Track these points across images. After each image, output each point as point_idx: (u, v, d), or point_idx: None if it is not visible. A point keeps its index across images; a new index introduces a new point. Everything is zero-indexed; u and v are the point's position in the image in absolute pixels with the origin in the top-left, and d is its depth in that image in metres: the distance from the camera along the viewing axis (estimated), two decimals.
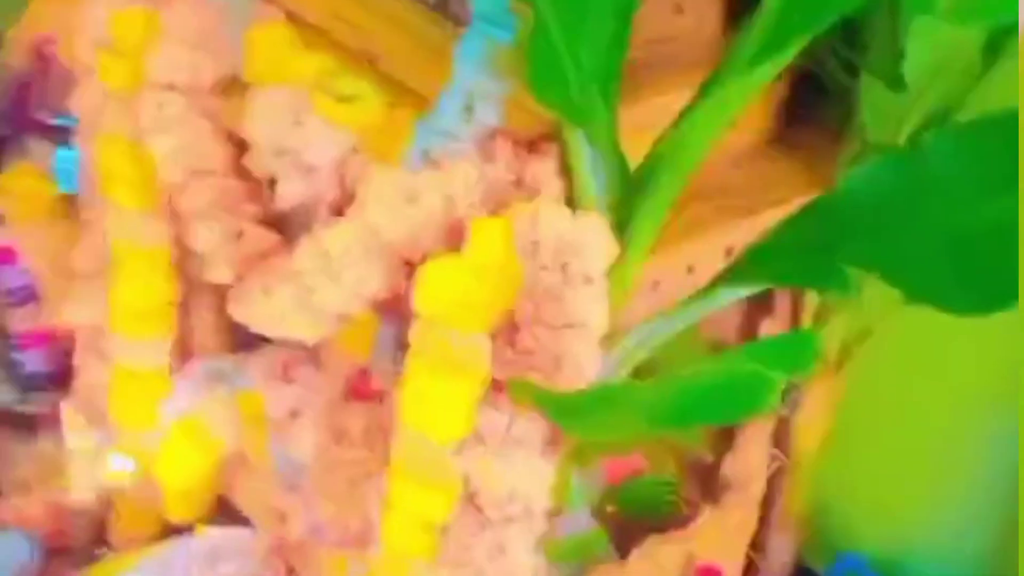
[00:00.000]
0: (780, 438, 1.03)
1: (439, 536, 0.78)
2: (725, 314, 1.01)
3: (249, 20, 0.89)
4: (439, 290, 0.71)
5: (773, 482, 1.06)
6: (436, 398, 0.73)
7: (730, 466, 1.04)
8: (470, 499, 0.76)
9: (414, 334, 0.74)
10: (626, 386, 0.70)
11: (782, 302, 0.98)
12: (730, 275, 0.71)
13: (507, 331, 0.72)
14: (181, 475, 1.06)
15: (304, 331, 0.81)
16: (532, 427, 0.73)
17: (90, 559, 1.08)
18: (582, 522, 1.09)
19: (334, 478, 0.97)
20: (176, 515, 1.08)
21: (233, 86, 0.91)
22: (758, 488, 1.06)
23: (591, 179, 0.71)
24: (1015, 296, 0.65)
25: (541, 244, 0.70)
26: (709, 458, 0.92)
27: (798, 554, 1.08)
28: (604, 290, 0.70)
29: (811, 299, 0.95)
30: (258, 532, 1.04)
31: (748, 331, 1.02)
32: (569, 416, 0.69)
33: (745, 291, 0.72)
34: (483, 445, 0.74)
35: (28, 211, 1.18)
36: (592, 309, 0.70)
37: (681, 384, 0.63)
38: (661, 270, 0.82)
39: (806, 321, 0.95)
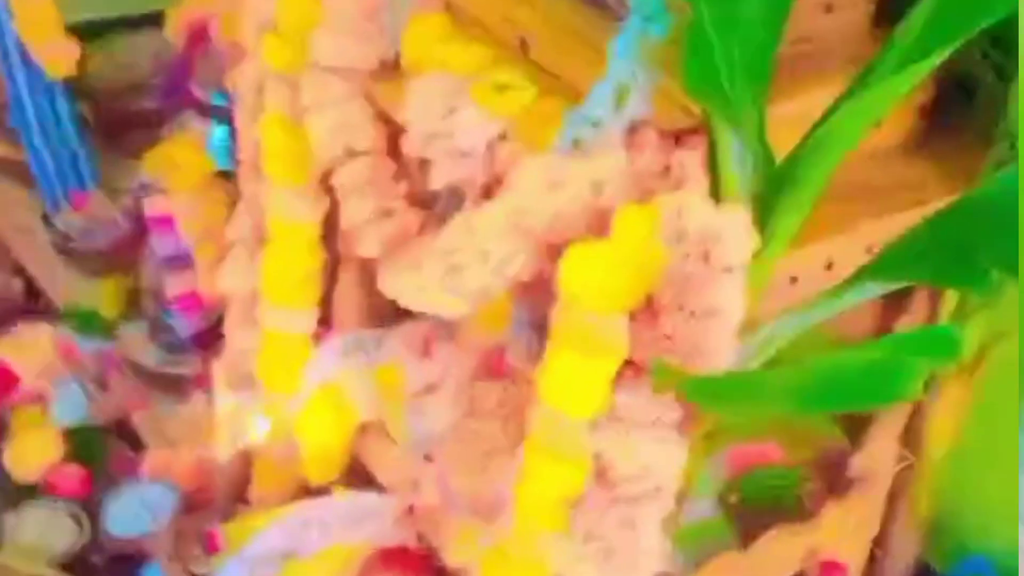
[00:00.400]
0: (910, 437, 1.03)
1: (570, 510, 0.81)
2: (857, 313, 1.02)
3: (409, 8, 0.93)
4: (583, 273, 0.74)
5: (900, 480, 1.06)
6: (574, 375, 0.76)
7: (858, 461, 1.05)
8: (602, 475, 0.79)
9: (556, 314, 0.77)
10: (770, 371, 0.72)
11: (919, 301, 0.98)
12: (869, 272, 0.73)
13: (647, 315, 0.75)
14: (320, 439, 1.12)
15: (448, 307, 0.85)
16: (667, 408, 0.75)
17: (229, 515, 1.14)
18: (705, 509, 1.11)
19: (467, 450, 1.00)
20: (314, 476, 1.13)
21: (390, 70, 0.95)
22: (885, 485, 1.07)
23: (736, 172, 0.73)
24: None
25: (685, 233, 0.72)
26: (846, 446, 0.92)
27: (921, 554, 1.08)
28: (743, 281, 0.72)
29: (949, 299, 0.95)
30: (393, 498, 1.08)
31: (883, 330, 1.02)
32: (712, 397, 0.72)
33: (883, 288, 0.74)
34: (619, 423, 0.76)
35: (186, 182, 1.24)
36: (730, 298, 0.72)
37: (825, 369, 0.64)
38: (800, 265, 0.84)
39: (943, 321, 0.96)
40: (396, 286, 0.87)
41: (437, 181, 0.85)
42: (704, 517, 1.11)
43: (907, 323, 0.99)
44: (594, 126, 0.76)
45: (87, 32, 1.66)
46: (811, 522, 1.04)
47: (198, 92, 1.47)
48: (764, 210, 0.74)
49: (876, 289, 0.73)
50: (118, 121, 1.66)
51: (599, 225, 0.76)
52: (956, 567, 1.05)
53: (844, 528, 1.05)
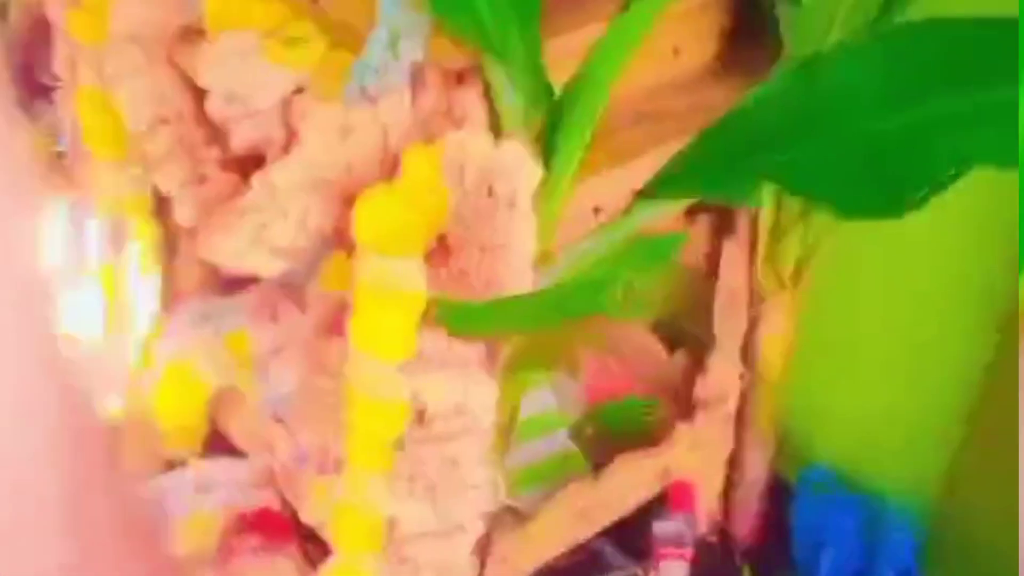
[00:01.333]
0: (748, 355, 1.06)
1: (394, 452, 0.83)
2: (693, 239, 1.04)
3: None
4: (374, 219, 0.75)
5: (745, 399, 1.09)
6: (379, 321, 0.77)
7: (702, 385, 1.08)
8: (419, 416, 0.80)
9: (356, 262, 0.78)
10: (510, 297, 0.73)
11: (741, 224, 1.00)
12: (646, 192, 0.74)
13: (441, 254, 0.76)
14: (175, 412, 1.12)
15: (262, 266, 0.85)
16: (466, 345, 0.77)
17: None
18: (560, 443, 1.13)
19: (314, 408, 1.01)
20: (174, 449, 1.13)
21: (195, 35, 0.95)
22: (730, 405, 1.09)
23: (510, 106, 0.74)
24: (927, 198, 0.68)
25: (466, 170, 0.73)
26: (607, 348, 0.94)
27: (772, 467, 1.11)
28: (529, 212, 0.74)
29: (767, 218, 0.97)
30: (248, 462, 1.09)
31: (713, 252, 1.04)
32: (462, 322, 0.73)
33: (662, 208, 0.75)
34: (426, 363, 0.78)
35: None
36: (518, 230, 0.73)
37: (549, 290, 0.66)
38: (602, 195, 0.85)
39: (762, 239, 0.98)
40: (210, 251, 0.87)
41: (238, 142, 0.85)
42: (561, 450, 1.13)
43: (732, 245, 1.01)
44: (377, 73, 0.77)
45: None
46: (661, 445, 1.06)
47: (44, 79, 1.45)
48: (547, 142, 0.75)
49: (656, 209, 0.75)
50: None
51: (390, 170, 0.77)
52: (803, 477, 1.08)
53: (694, 449, 1.08)
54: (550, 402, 1.10)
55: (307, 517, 1.03)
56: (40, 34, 1.51)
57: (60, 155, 1.27)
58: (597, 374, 1.16)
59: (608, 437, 1.12)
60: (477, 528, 0.84)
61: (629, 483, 1.05)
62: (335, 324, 1.10)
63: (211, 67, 0.86)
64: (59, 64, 1.05)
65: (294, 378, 1.05)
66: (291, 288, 1.12)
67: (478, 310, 0.72)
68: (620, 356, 1.13)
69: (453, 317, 0.72)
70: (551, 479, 1.07)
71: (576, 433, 1.12)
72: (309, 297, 1.09)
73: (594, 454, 1.11)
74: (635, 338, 1.13)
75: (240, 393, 1.13)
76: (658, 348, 1.14)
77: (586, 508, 1.06)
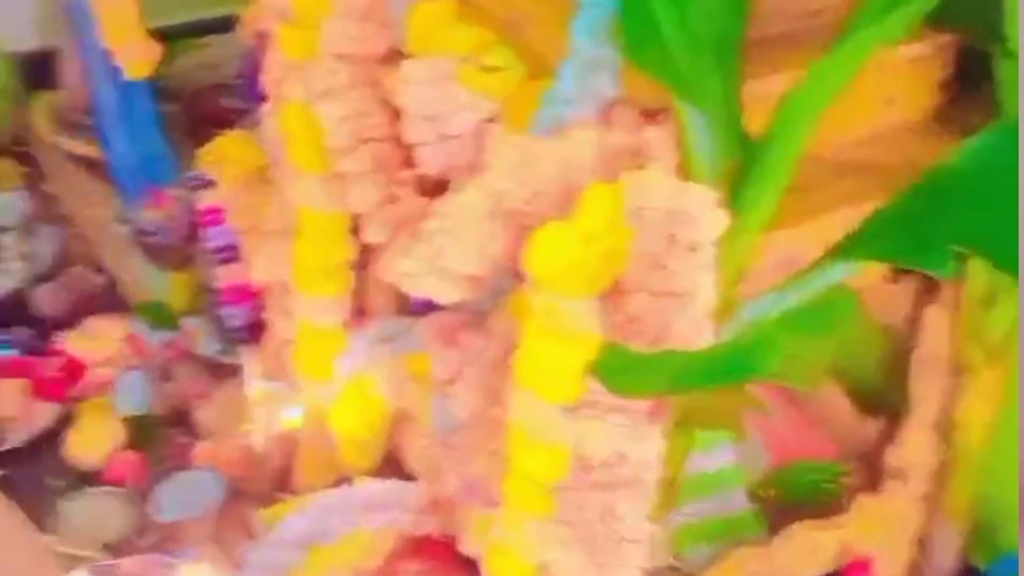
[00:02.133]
0: (945, 428, 0.99)
1: (554, 496, 0.80)
2: (893, 300, 0.98)
3: None
4: (549, 255, 0.73)
5: (938, 477, 1.01)
6: (547, 360, 0.75)
7: (892, 456, 1.01)
8: (581, 461, 0.77)
9: (529, 298, 0.76)
10: (660, 353, 0.69)
11: (947, 287, 0.94)
12: (836, 252, 0.70)
13: (616, 297, 0.73)
14: (353, 427, 1.13)
15: (438, 291, 0.85)
16: None
17: (270, 502, 1.16)
18: (737, 502, 1.08)
19: (486, 439, 1.00)
20: (350, 464, 1.14)
21: (398, 57, 0.95)
22: (921, 481, 1.02)
23: (702, 150, 0.70)
24: None
25: (647, 212, 0.70)
26: (769, 413, 0.89)
27: (963, 554, 1.03)
28: (711, 260, 0.70)
29: (977, 285, 0.91)
30: (417, 486, 1.08)
31: (916, 315, 0.98)
32: (607, 375, 0.70)
33: (850, 268, 0.70)
34: (592, 408, 0.75)
35: (236, 175, 1.26)
36: (697, 279, 0.70)
37: (698, 351, 0.62)
38: (797, 246, 0.81)
39: (969, 307, 0.91)
40: (391, 272, 0.87)
41: (429, 165, 0.85)
42: (736, 509, 1.08)
43: (935, 310, 0.95)
44: (568, 104, 0.75)
45: (175, 34, 1.72)
46: (840, 516, 1.00)
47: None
48: (738, 189, 0.72)
49: (843, 269, 0.70)
50: (204, 119, 1.71)
51: (572, 204, 0.75)
52: (995, 565, 1.00)
53: (878, 523, 1.01)
54: (729, 459, 1.05)
55: (466, 549, 1.02)
56: (264, 46, 1.57)
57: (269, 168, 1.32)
58: (784, 434, 1.10)
59: (789, 501, 1.06)
60: None
61: (805, 553, 0.99)
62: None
63: (409, 89, 0.86)
64: (268, 79, 1.08)
65: (469, 407, 1.04)
66: (476, 317, 1.12)
67: (638, 366, 0.69)
68: (809, 418, 1.08)
69: (612, 373, 0.69)
70: (720, 539, 1.03)
71: (755, 494, 1.07)
72: (492, 328, 1.09)
73: (772, 518, 1.05)
74: (827, 399, 1.07)
75: (416, 416, 1.14)
76: (850, 412, 1.08)
77: (759, 573, 1.01)
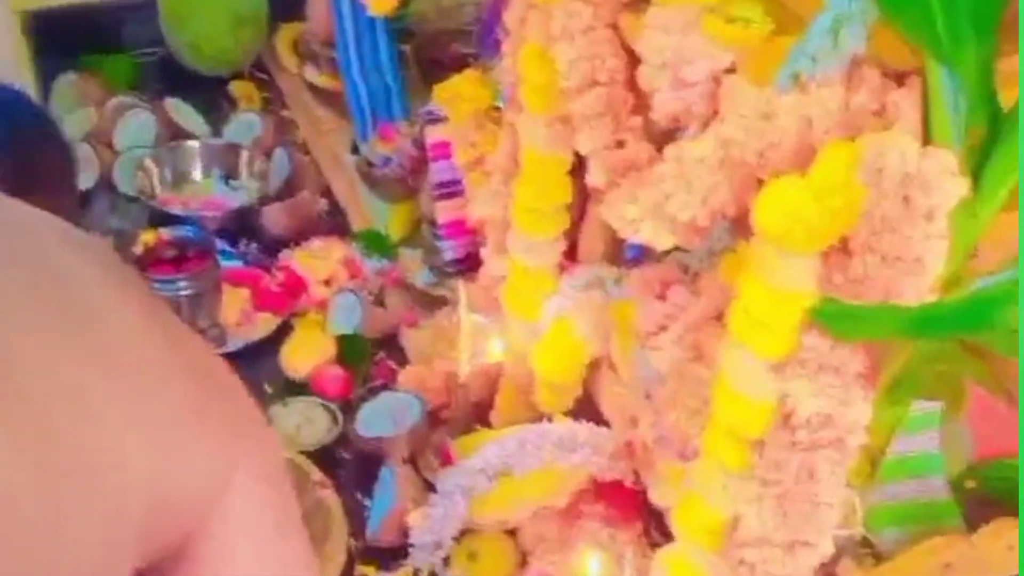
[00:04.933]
0: None
1: (753, 451, 0.80)
2: None
3: None
4: (778, 209, 0.72)
5: None
6: (762, 313, 0.75)
7: None
8: (785, 419, 0.77)
9: (751, 249, 0.76)
10: (902, 305, 0.68)
11: None
12: None
13: (840, 257, 0.72)
14: (554, 367, 1.15)
15: (657, 237, 0.85)
16: (849, 355, 0.73)
17: (468, 431, 1.19)
18: (936, 488, 1.05)
19: (687, 393, 1.00)
20: (546, 404, 1.16)
21: (639, 2, 0.96)
22: None
23: (949, 117, 0.69)
24: None
25: (885, 173, 0.69)
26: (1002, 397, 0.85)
27: None
28: (944, 230, 0.68)
29: None
30: (611, 432, 1.10)
31: None
32: (833, 320, 0.69)
33: None
34: (803, 366, 0.74)
35: (466, 113, 1.29)
36: (928, 246, 0.68)
37: (938, 302, 0.60)
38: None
39: None
40: (614, 215, 0.88)
41: (659, 111, 0.85)
42: (935, 496, 1.05)
43: None
44: (813, 61, 0.74)
45: None
46: None
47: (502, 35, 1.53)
48: (981, 161, 0.70)
49: None
50: (437, 62, 1.75)
51: (805, 162, 0.74)
52: None
53: None
54: (934, 444, 1.02)
55: (657, 499, 1.03)
56: None
57: (497, 109, 1.34)
58: (992, 428, 1.07)
59: (988, 496, 1.03)
60: (825, 548, 0.80)
61: (1004, 550, 0.96)
62: (725, 315, 1.09)
63: (651, 34, 0.86)
64: (510, 19, 1.10)
65: (670, 360, 1.04)
66: (688, 272, 1.12)
67: (865, 313, 0.68)
68: (992, 392, 1.03)
69: (837, 318, 0.69)
70: (915, 524, 1.00)
71: (955, 484, 1.04)
72: (702, 284, 1.09)
73: (968, 511, 1.02)
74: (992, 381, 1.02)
75: (615, 363, 1.15)
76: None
77: (953, 565, 0.98)
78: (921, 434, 1.03)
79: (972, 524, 1.01)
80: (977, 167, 0.70)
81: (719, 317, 1.08)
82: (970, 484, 1.06)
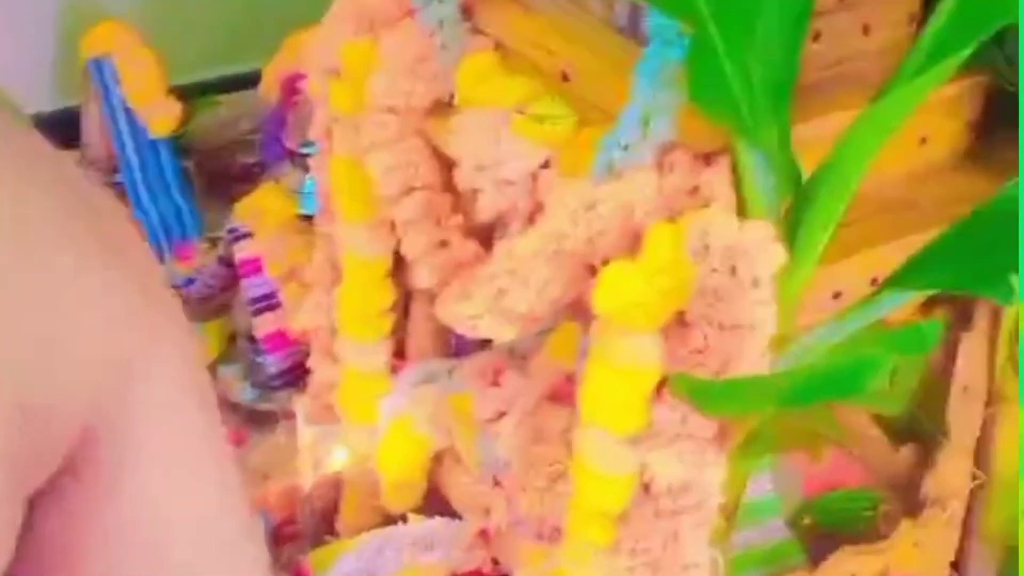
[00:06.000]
0: (981, 456, 1.02)
1: (617, 526, 0.83)
2: None
3: (461, 48, 0.98)
4: (615, 291, 0.76)
5: (974, 501, 1.05)
6: (612, 392, 0.78)
7: (930, 482, 1.04)
8: (645, 490, 0.80)
9: (592, 333, 0.79)
10: (759, 375, 0.73)
11: (982, 317, 0.97)
12: (893, 280, 0.73)
13: (679, 330, 0.77)
14: (397, 467, 1.15)
15: (497, 332, 0.88)
16: (702, 421, 0.77)
17: (317, 544, 1.18)
18: (776, 531, 1.11)
19: (534, 475, 1.03)
20: (393, 505, 1.17)
21: (444, 108, 0.99)
22: (959, 506, 1.06)
23: (760, 190, 0.74)
24: None
25: (711, 248, 0.74)
26: (851, 438, 0.92)
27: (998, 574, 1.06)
28: (772, 294, 0.74)
29: (1011, 313, 0.94)
30: (465, 524, 1.11)
31: (949, 345, 1.02)
32: (707, 398, 0.73)
33: (907, 297, 0.74)
34: (656, 437, 0.78)
35: (272, 227, 1.30)
36: (759, 311, 0.74)
37: (804, 368, 0.65)
38: (842, 281, 0.85)
39: (1005, 334, 0.95)
40: (450, 314, 0.90)
41: (484, 210, 0.89)
42: (776, 539, 1.11)
43: (971, 339, 0.98)
44: (625, 149, 0.79)
45: (191, 91, 1.76)
46: (882, 543, 1.03)
47: (290, 144, 1.54)
48: (792, 226, 0.76)
49: (901, 297, 0.74)
50: (221, 175, 1.74)
51: (632, 245, 0.78)
52: None
53: (918, 550, 1.04)
54: (767, 488, 1.08)
55: None
56: (289, 101, 1.62)
57: (300, 216, 1.35)
58: (817, 463, 1.14)
59: (826, 529, 1.09)
60: None
61: None
62: (558, 393, 1.12)
63: (462, 138, 0.90)
64: (315, 131, 1.12)
65: (514, 444, 1.07)
66: (516, 355, 1.15)
67: (735, 387, 0.72)
68: (844, 446, 1.11)
69: (700, 393, 0.73)
70: (764, 568, 1.06)
71: (793, 522, 1.10)
72: (533, 366, 1.12)
73: (811, 546, 1.08)
74: (858, 428, 1.10)
75: (460, 454, 1.16)
76: (882, 440, 1.11)
77: None
78: (755, 480, 1.09)
79: (814, 559, 1.07)
80: (790, 232, 0.76)
81: (553, 397, 1.12)
82: (807, 520, 1.12)
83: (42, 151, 0.34)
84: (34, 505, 0.31)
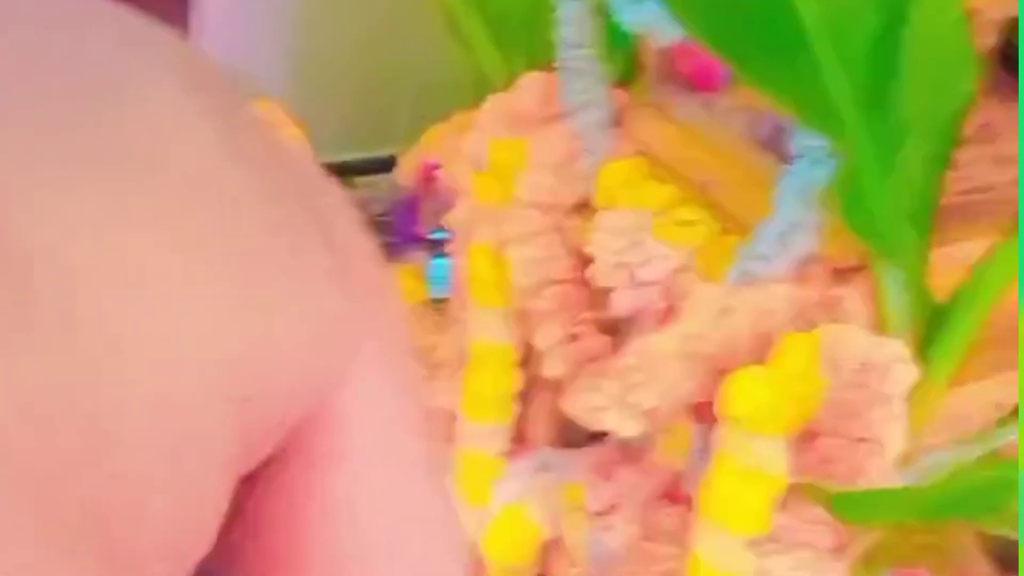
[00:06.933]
0: None
1: None
2: None
3: (605, 153, 1.02)
4: (745, 396, 0.79)
5: None
6: (736, 494, 0.80)
7: None
8: None
9: (720, 436, 0.82)
10: (899, 487, 0.75)
11: None
12: (1017, 411, 0.75)
13: (807, 440, 0.79)
14: (506, 553, 1.18)
15: (621, 425, 0.91)
16: (823, 531, 0.78)
17: None
18: None
19: (643, 570, 1.05)
20: None
21: (583, 208, 1.03)
22: None
23: (896, 308, 0.77)
24: None
25: (844, 362, 0.76)
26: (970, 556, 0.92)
27: None
28: (902, 411, 0.76)
29: None
30: None
31: None
32: (844, 508, 0.75)
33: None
34: (776, 543, 0.80)
35: (408, 307, 1.35)
36: (888, 428, 0.75)
37: (944, 483, 0.67)
38: (970, 404, 0.86)
39: None
40: (575, 405, 0.94)
41: (619, 308, 0.92)
42: None
43: None
44: (762, 260, 0.82)
45: (330, 172, 1.84)
46: None
47: (421, 229, 1.60)
48: (924, 346, 0.78)
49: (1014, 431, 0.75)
50: None
51: (764, 353, 0.81)
52: None
53: None
54: None
55: None
56: (424, 189, 1.68)
57: (432, 301, 1.40)
58: None
59: None
60: None
61: None
62: (670, 491, 1.14)
63: (603, 237, 0.93)
64: (454, 219, 1.17)
65: (623, 539, 1.09)
66: (631, 451, 1.17)
67: (876, 497, 0.74)
68: (947, 569, 1.10)
69: (840, 502, 0.75)
70: None
71: None
72: (648, 463, 1.14)
73: None
74: (961, 551, 1.10)
75: (567, 545, 1.18)
76: (986, 568, 1.10)
77: None
78: None
79: None
80: (921, 353, 0.78)
81: (665, 495, 1.14)
82: None
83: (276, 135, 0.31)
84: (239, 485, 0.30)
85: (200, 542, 0.30)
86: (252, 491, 0.31)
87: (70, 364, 0.25)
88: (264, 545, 0.34)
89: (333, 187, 0.33)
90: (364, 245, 0.34)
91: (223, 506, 0.29)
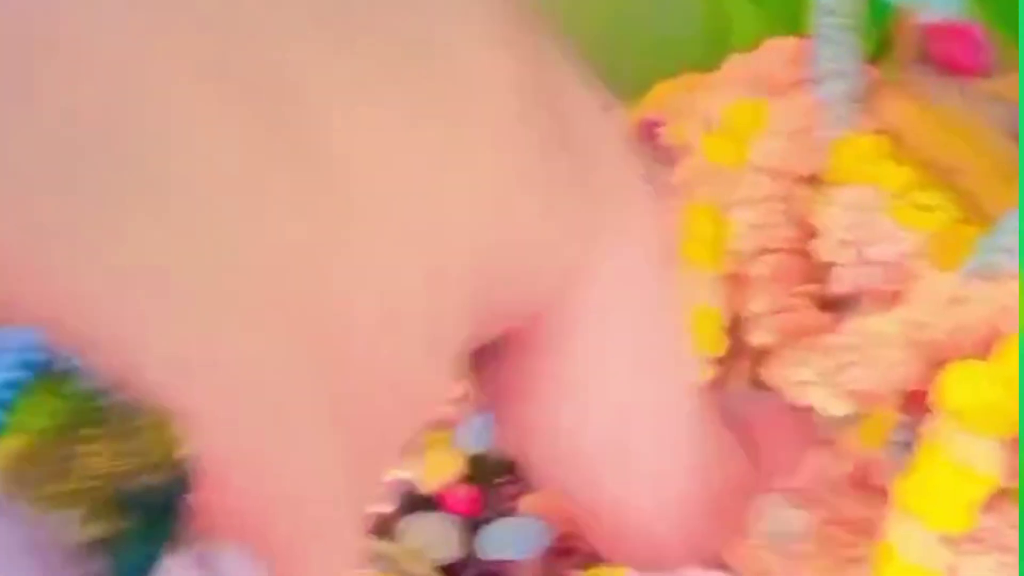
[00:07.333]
0: None
1: None
2: None
3: (847, 126, 1.00)
4: (963, 390, 0.76)
5: None
6: (941, 489, 0.79)
7: None
8: None
9: (931, 426, 0.79)
10: None
11: None
12: None
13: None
14: None
15: (826, 403, 0.89)
16: None
17: (588, 563, 1.22)
18: None
19: (825, 555, 1.03)
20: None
21: (814, 179, 1.01)
22: None
23: None
24: None
25: None
26: None
27: None
28: None
29: None
30: None
31: None
32: None
33: None
34: (976, 543, 0.78)
35: None
36: None
37: None
38: None
39: None
40: (781, 377, 0.93)
41: (841, 285, 0.90)
42: None
43: None
44: (1003, 253, 0.79)
45: None
46: None
47: None
48: None
49: None
50: None
51: (987, 348, 0.78)
52: None
53: None
54: None
55: None
56: (643, 144, 1.68)
57: None
58: None
59: None
60: None
61: None
62: (860, 479, 1.12)
63: (835, 211, 0.92)
64: (679, 176, 1.17)
65: (807, 519, 1.07)
66: (823, 429, 1.15)
67: None
68: None
69: None
70: None
71: None
72: (839, 447, 1.12)
73: None
74: None
75: (743, 522, 1.17)
76: None
77: None
78: None
79: None
80: None
81: (854, 481, 1.12)
82: None
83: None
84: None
85: (432, 400, 0.32)
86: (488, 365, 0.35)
87: (367, 251, 0.28)
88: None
89: (588, 95, 0.34)
90: (609, 148, 0.36)
91: (452, 373, 0.32)
